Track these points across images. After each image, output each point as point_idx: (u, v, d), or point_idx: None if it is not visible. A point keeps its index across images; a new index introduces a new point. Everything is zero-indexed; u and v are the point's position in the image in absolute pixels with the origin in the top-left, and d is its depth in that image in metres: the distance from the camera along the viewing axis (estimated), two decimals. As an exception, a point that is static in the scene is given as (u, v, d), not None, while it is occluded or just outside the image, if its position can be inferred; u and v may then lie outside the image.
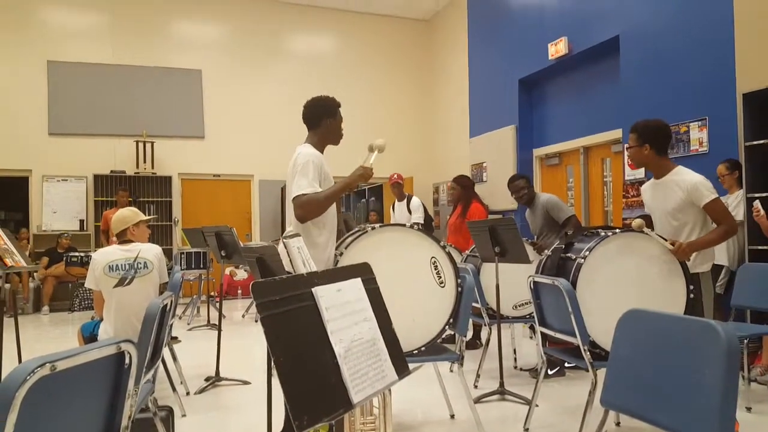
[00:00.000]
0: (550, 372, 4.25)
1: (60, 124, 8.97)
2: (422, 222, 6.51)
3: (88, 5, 9.17)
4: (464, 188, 5.66)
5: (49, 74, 8.93)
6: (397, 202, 6.65)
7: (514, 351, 4.75)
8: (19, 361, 4.09)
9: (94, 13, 9.21)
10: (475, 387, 4.04)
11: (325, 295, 1.44)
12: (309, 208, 2.77)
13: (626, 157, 5.61)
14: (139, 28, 9.39)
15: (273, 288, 1.29)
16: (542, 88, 7.39)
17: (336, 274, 1.54)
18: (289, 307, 1.31)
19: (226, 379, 4.32)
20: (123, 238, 3.43)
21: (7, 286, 4.19)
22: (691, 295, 2.91)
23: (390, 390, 2.16)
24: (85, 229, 8.98)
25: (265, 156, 9.86)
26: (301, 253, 2.37)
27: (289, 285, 1.35)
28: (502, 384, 3.82)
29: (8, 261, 3.84)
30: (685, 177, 2.97)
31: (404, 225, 3.04)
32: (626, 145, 3.15)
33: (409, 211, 6.45)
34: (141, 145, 9.18)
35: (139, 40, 9.39)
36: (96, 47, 9.18)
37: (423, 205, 6.65)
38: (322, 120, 3.04)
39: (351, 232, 3.08)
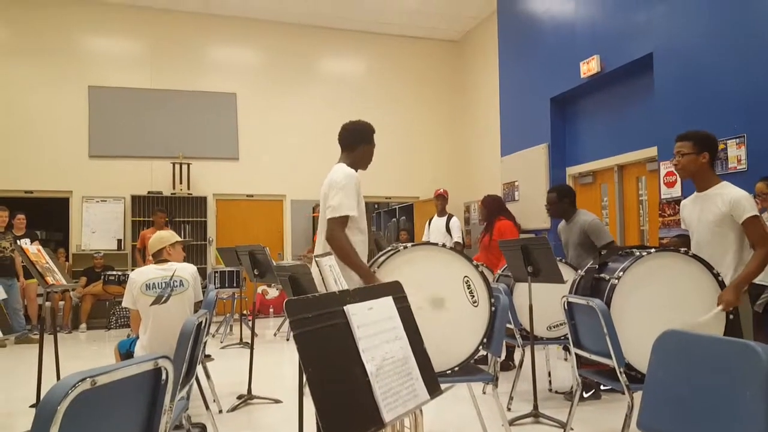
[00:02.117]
0: (585, 395, 4.15)
1: (100, 147, 9.27)
2: (462, 242, 6.52)
3: (128, 33, 9.51)
4: (491, 208, 5.63)
5: (90, 99, 9.26)
6: (436, 217, 6.65)
7: (549, 374, 4.66)
8: (58, 376, 4.19)
9: (133, 40, 9.55)
10: (509, 410, 3.97)
11: (357, 313, 1.44)
12: (335, 244, 2.83)
13: (662, 175, 5.51)
14: (175, 53, 9.70)
15: (306, 305, 1.31)
16: (574, 106, 7.33)
17: (368, 293, 1.55)
18: (322, 325, 1.32)
19: (258, 398, 4.34)
20: (160, 257, 3.52)
21: (48, 304, 4.31)
22: (731, 316, 2.82)
23: (421, 410, 2.14)
24: (122, 248, 9.20)
25: (296, 177, 10.01)
26: (333, 272, 2.39)
27: (321, 303, 1.36)
28: (536, 406, 3.74)
29: (50, 279, 3.96)
30: (729, 191, 2.91)
31: (436, 244, 3.03)
32: (677, 152, 3.06)
33: (448, 230, 6.44)
34: (177, 166, 9.41)
35: (176, 65, 9.69)
36: (134, 72, 9.50)
37: (461, 227, 6.68)
38: (359, 145, 3.11)
39: (383, 251, 3.09)
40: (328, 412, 1.18)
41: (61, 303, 8.25)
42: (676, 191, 5.35)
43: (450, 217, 6.52)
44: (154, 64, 9.60)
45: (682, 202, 3.25)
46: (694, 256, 2.86)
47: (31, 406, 4.25)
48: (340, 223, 2.88)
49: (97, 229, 9.14)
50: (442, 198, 6.59)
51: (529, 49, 7.90)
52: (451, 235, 6.38)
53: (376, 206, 12.35)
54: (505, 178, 8.44)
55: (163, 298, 3.32)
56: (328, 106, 10.15)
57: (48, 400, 0.91)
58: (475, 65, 10.41)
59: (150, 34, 9.59)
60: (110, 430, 1.08)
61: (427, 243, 3.03)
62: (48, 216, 10.16)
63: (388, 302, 1.60)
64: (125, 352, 3.57)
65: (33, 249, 4.02)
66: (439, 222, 6.54)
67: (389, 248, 3.04)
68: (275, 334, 7.67)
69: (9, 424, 3.97)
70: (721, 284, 2.84)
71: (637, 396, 2.06)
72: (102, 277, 8.33)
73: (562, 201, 4.48)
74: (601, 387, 4.18)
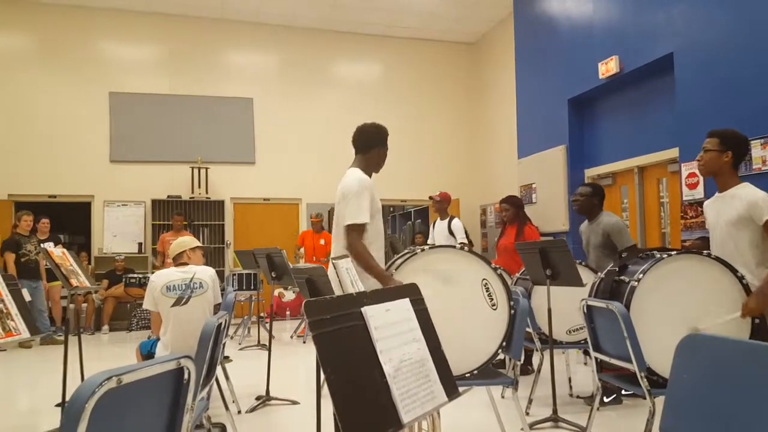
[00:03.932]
0: (606, 399, 4.10)
1: (120, 152, 9.41)
2: (467, 242, 6.45)
3: (147, 39, 9.66)
4: (517, 208, 5.57)
5: (111, 105, 9.41)
6: (438, 221, 6.63)
7: (569, 379, 4.62)
8: (82, 376, 4.26)
9: (152, 47, 9.69)
10: (527, 414, 3.95)
11: (374, 314, 1.45)
12: (352, 251, 2.85)
13: (683, 176, 5.44)
14: (193, 59, 9.82)
15: (324, 307, 1.32)
16: (593, 108, 7.27)
17: (385, 295, 1.56)
18: (340, 326, 1.33)
19: (276, 399, 4.37)
20: (180, 260, 3.58)
21: (71, 306, 4.39)
22: (756, 320, 2.78)
23: (439, 413, 2.14)
24: (143, 251, 9.33)
25: (312, 180, 10.07)
26: (350, 274, 2.40)
27: (339, 304, 1.37)
28: (555, 411, 3.71)
29: (74, 281, 4.03)
30: (747, 192, 2.88)
31: (454, 246, 3.03)
32: (703, 147, 3.03)
33: (450, 232, 6.40)
34: (196, 171, 9.52)
35: (194, 71, 9.81)
36: (154, 79, 9.64)
37: (465, 229, 6.59)
38: (373, 147, 3.12)
39: (400, 254, 3.09)
40: (347, 412, 1.19)
41: (84, 305, 8.39)
42: (699, 193, 5.28)
43: (451, 218, 6.49)
44: (172, 70, 9.73)
45: (705, 203, 3.22)
46: (717, 258, 2.83)
47: (57, 405, 4.33)
48: (358, 231, 2.90)
49: (118, 232, 9.27)
50: (436, 202, 6.51)
51: (546, 50, 7.86)
52: (454, 237, 6.35)
53: (391, 209, 12.35)
54: (522, 180, 8.39)
55: (184, 300, 3.37)
56: (343, 110, 10.20)
57: (76, 398, 0.94)
58: (492, 67, 10.38)
59: (169, 41, 9.73)
60: (135, 427, 1.10)
61: (446, 246, 3.03)
62: (70, 220, 10.35)
63: (405, 304, 1.60)
64: (146, 353, 3.62)
65: (58, 252, 4.09)
66: (441, 225, 6.52)
67: (406, 251, 3.05)
68: (292, 337, 7.71)
69: (35, 423, 4.04)
70: (745, 287, 2.80)
71: (659, 401, 2.04)
72: (123, 279, 8.45)
73: (592, 197, 4.41)
74: (623, 392, 4.13)
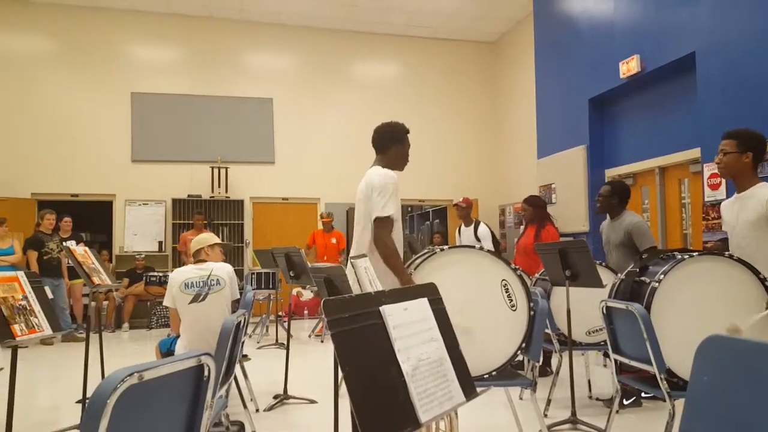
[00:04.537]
0: (625, 402, 4.06)
1: (142, 152, 9.53)
2: (496, 249, 6.41)
3: (168, 41, 9.77)
4: (537, 208, 5.52)
5: (133, 105, 9.53)
6: (463, 227, 6.60)
7: (589, 381, 4.57)
8: (103, 374, 4.33)
9: (173, 47, 9.80)
10: (545, 416, 3.92)
11: (392, 313, 1.45)
12: (379, 243, 2.87)
13: (705, 178, 5.36)
14: (214, 60, 9.91)
15: (343, 305, 1.32)
16: (614, 107, 7.19)
17: (403, 294, 1.56)
18: (358, 325, 1.33)
19: (294, 398, 4.39)
20: (198, 257, 3.61)
21: (93, 303, 4.45)
22: (780, 322, 2.72)
23: (457, 413, 2.14)
24: (163, 250, 9.43)
25: (330, 180, 10.11)
26: (368, 273, 2.40)
27: (358, 303, 1.37)
28: (573, 413, 3.68)
29: (96, 279, 4.09)
30: (765, 191, 2.83)
31: (473, 247, 3.01)
32: (721, 149, 2.99)
33: (477, 238, 6.37)
34: (216, 170, 9.60)
35: (215, 71, 9.90)
36: (175, 79, 9.75)
37: (492, 232, 6.53)
38: (392, 146, 3.11)
39: (419, 254, 3.09)
40: (365, 410, 1.19)
41: (105, 303, 8.51)
42: (721, 193, 5.19)
43: (477, 224, 6.44)
44: (193, 70, 9.83)
45: (723, 203, 3.17)
46: (739, 260, 2.78)
47: (78, 402, 4.40)
48: (387, 224, 2.90)
49: (138, 231, 9.39)
50: (460, 208, 6.48)
51: (566, 49, 7.80)
52: (481, 244, 6.32)
53: (409, 209, 12.35)
54: (541, 180, 8.33)
55: (201, 296, 3.40)
56: (362, 110, 10.21)
57: (99, 394, 0.95)
58: (511, 66, 10.32)
59: (189, 42, 9.83)
60: (156, 423, 1.12)
61: (465, 246, 3.02)
62: (92, 219, 10.51)
63: (423, 304, 1.60)
64: (166, 351, 3.66)
65: (80, 250, 4.16)
66: (467, 231, 6.47)
67: (425, 251, 3.04)
68: (310, 336, 7.74)
69: (56, 418, 4.11)
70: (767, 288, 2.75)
71: (679, 404, 2.02)
72: (144, 278, 8.56)
73: (612, 196, 4.37)
74: (643, 394, 4.08)
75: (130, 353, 6.79)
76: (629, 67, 6.36)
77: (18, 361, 2.70)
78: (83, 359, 4.01)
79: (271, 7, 9.54)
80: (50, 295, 3.05)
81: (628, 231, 4.21)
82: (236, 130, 9.92)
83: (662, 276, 2.74)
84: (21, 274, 2.78)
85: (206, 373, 1.23)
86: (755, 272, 2.77)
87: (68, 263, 7.36)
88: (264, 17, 9.91)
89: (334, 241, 8.13)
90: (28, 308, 2.72)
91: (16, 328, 2.61)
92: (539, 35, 8.57)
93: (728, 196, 4.98)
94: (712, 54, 5.34)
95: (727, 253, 2.82)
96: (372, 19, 9.97)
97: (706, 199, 5.41)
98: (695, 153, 5.70)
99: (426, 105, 10.66)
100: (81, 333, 7.68)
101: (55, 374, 5.69)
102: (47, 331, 2.79)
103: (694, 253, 2.83)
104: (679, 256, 2.82)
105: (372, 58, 10.61)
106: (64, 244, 4.64)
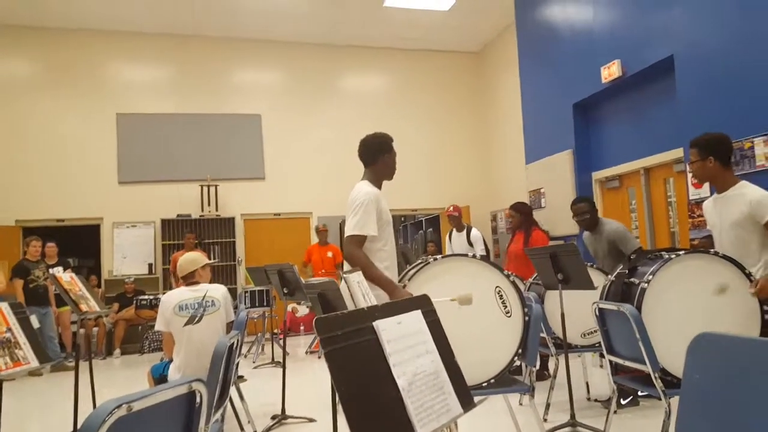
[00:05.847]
0: (623, 402, 4.06)
1: (129, 173, 9.47)
2: (485, 255, 6.42)
3: (152, 60, 9.75)
4: (523, 215, 5.58)
5: (118, 126, 9.48)
6: (455, 233, 6.60)
7: (587, 383, 4.57)
8: (94, 403, 4.26)
9: (158, 66, 9.78)
10: (545, 420, 3.91)
11: (386, 328, 1.44)
12: (353, 261, 2.86)
13: (689, 177, 5.41)
14: (200, 78, 9.90)
15: (335, 323, 1.31)
16: (597, 111, 7.26)
17: (396, 307, 1.55)
18: (351, 342, 1.32)
19: (292, 417, 4.34)
20: (191, 279, 3.56)
21: (82, 331, 4.38)
22: (767, 316, 2.75)
23: (456, 424, 2.12)
24: (153, 272, 9.35)
25: (322, 194, 10.09)
26: (361, 287, 2.39)
27: (350, 319, 1.36)
28: (573, 416, 3.67)
29: (83, 306, 4.04)
30: (749, 191, 2.87)
31: (466, 255, 3.01)
32: (688, 162, 3.06)
33: (469, 243, 6.37)
34: (205, 188, 9.56)
35: (201, 89, 9.89)
36: (161, 98, 9.72)
37: (483, 237, 6.57)
38: (378, 156, 3.11)
39: (413, 264, 3.08)
40: (362, 429, 1.18)
41: (95, 329, 8.39)
42: (705, 191, 5.24)
43: (469, 229, 6.45)
44: (179, 89, 9.81)
45: (704, 204, 3.21)
46: (725, 257, 2.81)
47: (70, 432, 4.32)
48: (355, 242, 2.90)
49: (128, 254, 9.30)
50: (453, 218, 6.51)
51: (549, 56, 7.87)
52: (473, 248, 6.32)
53: (402, 219, 12.34)
54: (530, 185, 8.37)
55: (196, 318, 3.37)
56: (352, 123, 10.23)
57: (87, 427, 0.93)
58: (497, 75, 10.39)
59: (175, 60, 9.81)
60: (148, 453, 1.10)
61: (458, 255, 3.02)
62: (79, 243, 10.38)
63: (416, 316, 1.59)
64: (158, 377, 3.61)
65: (66, 277, 4.10)
66: (459, 237, 6.48)
67: (419, 261, 3.04)
68: (307, 352, 7.68)
69: (50, 450, 4.03)
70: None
71: (675, 401, 2.01)
72: (134, 302, 8.46)
73: (590, 211, 4.45)
74: (639, 393, 4.09)
75: (122, 380, 6.69)
76: (610, 71, 6.43)
77: (5, 395, 2.65)
78: (73, 389, 3.94)
79: (257, 24, 9.55)
80: (36, 325, 3.00)
81: (611, 239, 4.28)
82: (225, 147, 9.89)
83: (651, 276, 2.76)
84: (5, 306, 2.74)
85: (198, 399, 1.21)
86: (741, 268, 2.80)
87: (56, 290, 7.26)
88: (250, 34, 9.92)
89: (330, 254, 8.10)
90: (13, 341, 2.67)
91: (0, 362, 2.56)
92: (522, 43, 8.64)
93: (712, 193, 5.04)
94: (689, 56, 5.42)
95: (712, 250, 2.84)
96: (359, 33, 10.02)
97: (691, 198, 5.46)
98: (678, 153, 5.76)
99: (415, 116, 10.70)
100: (71, 362, 7.55)
101: (45, 406, 5.59)
102: (33, 363, 2.74)
103: (681, 252, 2.86)
104: (666, 256, 2.84)
105: (359, 72, 10.65)
106: (49, 271, 4.57)
